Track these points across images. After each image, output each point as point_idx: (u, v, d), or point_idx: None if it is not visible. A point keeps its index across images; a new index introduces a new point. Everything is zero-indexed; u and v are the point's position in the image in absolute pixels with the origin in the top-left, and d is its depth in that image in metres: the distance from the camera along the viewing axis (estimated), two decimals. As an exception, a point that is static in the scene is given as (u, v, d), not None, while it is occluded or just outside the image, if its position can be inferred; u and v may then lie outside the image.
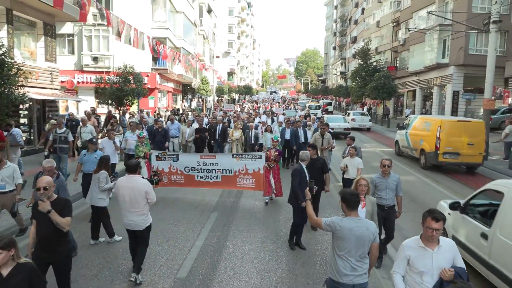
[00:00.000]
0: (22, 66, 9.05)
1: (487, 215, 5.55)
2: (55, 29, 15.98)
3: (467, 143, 12.76)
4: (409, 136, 15.58)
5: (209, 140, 13.48)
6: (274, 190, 9.05)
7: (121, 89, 15.42)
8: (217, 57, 49.55)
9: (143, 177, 5.64)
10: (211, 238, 6.94)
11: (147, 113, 18.19)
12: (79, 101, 20.26)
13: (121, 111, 15.83)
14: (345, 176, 8.20)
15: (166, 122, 15.52)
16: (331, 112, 38.92)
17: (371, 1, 47.97)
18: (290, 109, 32.49)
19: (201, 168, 9.12)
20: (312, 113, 27.50)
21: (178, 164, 9.23)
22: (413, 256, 3.38)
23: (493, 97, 16.25)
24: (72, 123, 13.43)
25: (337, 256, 3.67)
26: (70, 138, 10.13)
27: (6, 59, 7.95)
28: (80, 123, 12.22)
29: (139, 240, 5.47)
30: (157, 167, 9.24)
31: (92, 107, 17.05)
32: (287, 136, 13.09)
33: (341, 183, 9.10)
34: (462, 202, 5.98)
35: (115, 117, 16.00)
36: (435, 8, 28.39)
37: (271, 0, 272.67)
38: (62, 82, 19.58)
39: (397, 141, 17.08)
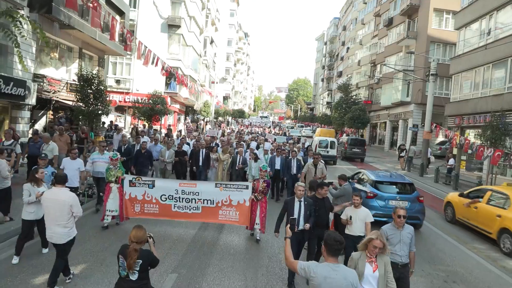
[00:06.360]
0: (109, 92, 13.87)
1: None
2: (104, 60, 21.01)
3: (329, 136, 29.80)
4: (314, 136, 35.30)
5: (191, 166, 12.27)
6: (259, 225, 8.09)
7: (152, 109, 20.25)
8: (216, 83, 55.01)
9: (71, 190, 5.58)
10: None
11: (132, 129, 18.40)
12: (120, 116, 25.00)
13: (148, 125, 20.55)
14: (346, 232, 6.36)
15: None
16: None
17: (355, 42, 54.53)
18: (284, 135, 34.24)
19: (179, 197, 8.06)
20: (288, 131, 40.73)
21: (154, 192, 8.14)
22: None
23: (430, 131, 21.72)
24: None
25: None
26: (18, 150, 9.57)
27: (102, 89, 12.80)
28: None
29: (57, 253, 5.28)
30: (129, 194, 8.21)
31: (67, 124, 15.03)
32: (277, 166, 12.07)
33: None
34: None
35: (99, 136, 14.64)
36: (402, 55, 34.51)
37: (267, 30, 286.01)
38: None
39: (313, 139, 34.35)
